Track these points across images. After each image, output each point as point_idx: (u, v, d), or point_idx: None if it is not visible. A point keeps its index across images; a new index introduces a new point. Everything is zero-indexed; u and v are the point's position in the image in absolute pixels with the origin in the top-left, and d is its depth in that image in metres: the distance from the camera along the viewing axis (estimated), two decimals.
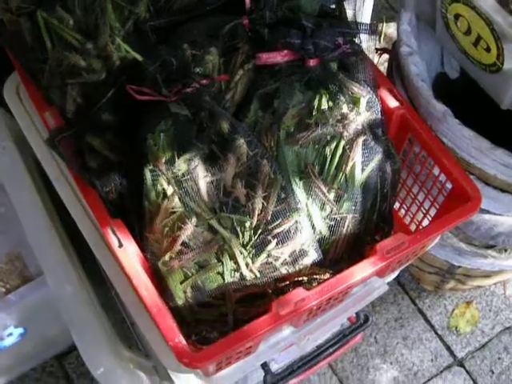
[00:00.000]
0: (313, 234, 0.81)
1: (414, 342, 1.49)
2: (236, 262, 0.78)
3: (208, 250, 0.78)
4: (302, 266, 0.80)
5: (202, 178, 0.78)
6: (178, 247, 0.77)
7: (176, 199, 0.78)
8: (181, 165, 0.78)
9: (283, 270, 0.80)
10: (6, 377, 1.21)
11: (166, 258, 0.77)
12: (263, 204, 0.78)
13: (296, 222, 0.79)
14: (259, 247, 0.79)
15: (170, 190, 0.78)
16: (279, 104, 0.82)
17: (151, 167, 0.77)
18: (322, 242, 0.83)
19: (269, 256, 0.79)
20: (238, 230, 0.79)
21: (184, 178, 0.77)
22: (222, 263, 0.78)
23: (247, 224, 0.79)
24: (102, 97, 0.79)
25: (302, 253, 0.80)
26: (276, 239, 0.79)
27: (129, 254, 0.76)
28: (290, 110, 0.83)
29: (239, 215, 0.78)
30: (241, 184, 0.78)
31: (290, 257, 0.80)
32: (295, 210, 0.80)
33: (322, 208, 0.83)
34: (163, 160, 0.77)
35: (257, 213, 0.78)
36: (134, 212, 0.79)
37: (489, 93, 0.96)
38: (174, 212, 0.78)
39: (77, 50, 0.80)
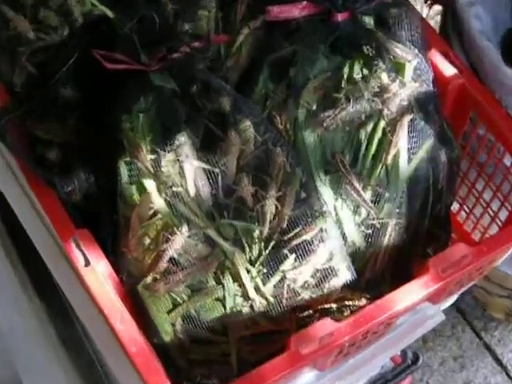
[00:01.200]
0: (343, 245, 0.82)
1: None
2: (241, 285, 0.79)
3: (204, 268, 0.78)
4: (329, 290, 0.81)
5: (196, 172, 0.78)
6: (163, 265, 0.78)
7: (161, 201, 0.78)
8: (167, 155, 0.78)
9: (304, 295, 0.80)
10: None
11: (149, 279, 0.78)
12: (277, 207, 0.79)
13: (321, 230, 0.80)
14: (272, 265, 0.80)
15: (152, 189, 0.78)
16: (297, 73, 0.82)
17: (127, 159, 0.78)
18: (355, 257, 0.83)
19: (285, 276, 0.80)
20: (244, 241, 0.79)
21: (171, 172, 0.78)
22: (223, 286, 0.79)
23: (256, 233, 0.79)
24: (60, 66, 0.80)
25: (330, 271, 0.81)
26: (294, 254, 0.80)
27: (98, 274, 0.77)
28: (312, 82, 0.83)
29: (245, 222, 0.79)
30: (247, 180, 0.78)
31: (313, 277, 0.81)
32: (320, 214, 0.80)
33: (356, 211, 0.83)
34: (143, 149, 0.78)
35: (268, 218, 0.79)
36: (106, 219, 0.80)
37: None
38: (159, 218, 0.78)
39: (25, 7, 0.82)
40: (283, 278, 0.79)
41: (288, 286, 0.80)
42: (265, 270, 0.79)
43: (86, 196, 0.80)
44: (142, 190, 0.79)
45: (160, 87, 0.78)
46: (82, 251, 0.77)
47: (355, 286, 0.82)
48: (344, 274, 0.81)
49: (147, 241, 0.78)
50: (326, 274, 0.81)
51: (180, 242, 0.77)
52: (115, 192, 0.79)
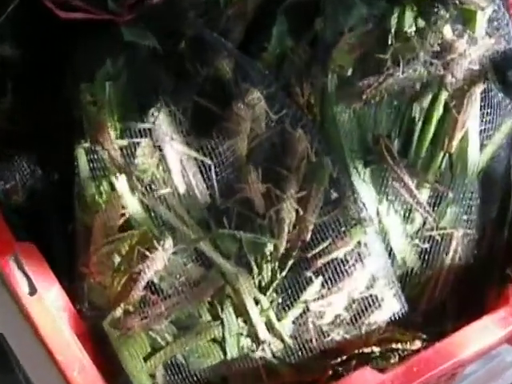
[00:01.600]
0: (390, 266, 0.80)
1: None
2: (247, 321, 0.77)
3: (195, 297, 0.76)
4: (369, 328, 0.79)
5: (184, 164, 0.78)
6: (139, 293, 0.76)
7: (135, 204, 0.77)
8: (143, 140, 0.77)
9: (336, 336, 0.78)
10: None
11: (118, 313, 0.76)
12: (297, 212, 0.77)
13: (358, 244, 0.78)
14: (291, 292, 0.77)
15: (123, 188, 0.77)
16: (324, 25, 0.82)
17: (87, 145, 0.77)
18: (407, 282, 0.81)
19: (308, 309, 0.77)
20: (252, 259, 0.78)
21: (149, 164, 0.77)
22: (222, 322, 0.77)
23: (268, 249, 0.77)
24: None
25: (371, 302, 0.79)
26: (321, 277, 0.77)
27: (48, 306, 0.75)
28: (346, 37, 0.82)
29: (253, 233, 0.77)
30: (255, 175, 0.77)
31: (347, 310, 0.78)
32: (357, 222, 0.78)
33: (407, 218, 0.81)
34: (110, 131, 0.77)
35: (286, 228, 0.77)
36: (58, 228, 0.80)
37: None
38: (133, 228, 0.77)
39: None
40: (306, 312, 0.78)
41: (313, 322, 0.77)
42: (280, 300, 0.77)
43: (30, 196, 0.81)
44: (109, 188, 0.78)
45: (134, 44, 0.78)
46: (25, 274, 0.75)
47: (406, 322, 0.80)
48: (390, 306, 0.79)
49: (116, 259, 0.77)
50: (365, 305, 0.78)
51: (162, 260, 0.76)
52: (71, 191, 0.78)
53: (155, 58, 0.79)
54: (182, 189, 0.78)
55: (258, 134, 0.78)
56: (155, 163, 0.77)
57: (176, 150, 0.78)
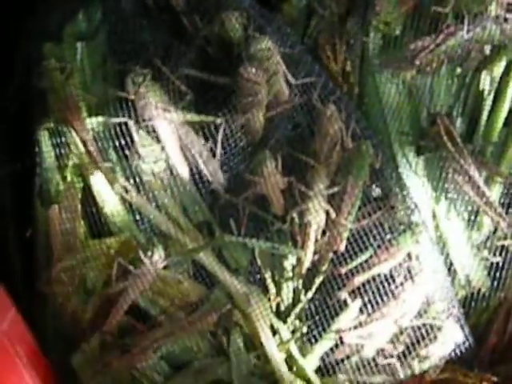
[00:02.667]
0: (450, 285, 0.75)
1: None
2: (261, 356, 0.72)
3: (193, 325, 0.72)
4: (423, 365, 0.74)
5: (180, 148, 0.73)
6: (119, 319, 0.71)
7: (114, 201, 0.73)
8: (126, 117, 0.72)
9: (377, 377, 0.73)
10: None
11: (91, 344, 0.72)
12: (328, 213, 0.72)
13: (409, 256, 0.72)
14: (319, 319, 0.73)
15: (97, 178, 0.73)
16: None
17: (52, 124, 0.73)
18: (472, 306, 0.77)
19: (342, 341, 0.73)
20: (268, 276, 0.73)
21: (134, 147, 0.72)
22: (228, 358, 0.72)
23: (289, 262, 0.73)
24: None
25: (424, 332, 0.74)
26: (359, 299, 0.72)
27: (1, 339, 0.71)
28: None
29: (269, 241, 0.73)
30: (274, 163, 0.72)
31: (393, 343, 0.73)
32: (406, 227, 0.73)
33: (473, 223, 0.77)
34: (82, 106, 0.73)
35: (313, 236, 0.71)
36: (13, 233, 0.78)
37: None
38: (110, 232, 0.74)
39: None
40: (339, 345, 0.73)
41: (348, 358, 0.73)
42: (305, 330, 0.73)
43: None
44: (79, 181, 0.75)
45: None
46: None
47: (471, 360, 0.75)
48: (450, 338, 0.74)
49: (89, 275, 0.72)
50: (417, 337, 0.73)
51: (150, 277, 0.71)
52: (30, 185, 0.75)
53: (143, 10, 0.76)
54: (177, 182, 0.74)
55: (275, 109, 0.73)
56: (142, 149, 0.72)
57: (170, 131, 0.73)
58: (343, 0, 0.80)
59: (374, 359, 0.74)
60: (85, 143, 0.73)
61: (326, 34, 0.79)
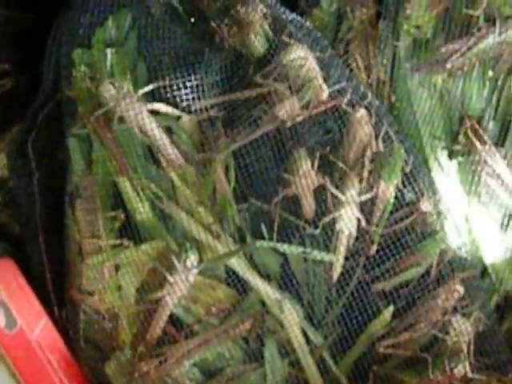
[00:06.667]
0: (484, 290, 0.75)
1: None
2: (294, 363, 0.72)
3: (226, 332, 0.72)
4: (455, 366, 0.73)
5: (209, 148, 0.74)
6: (158, 330, 0.72)
7: (145, 207, 0.73)
8: (158, 123, 0.72)
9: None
10: None
11: (126, 354, 0.73)
12: (359, 220, 0.72)
13: (441, 261, 0.72)
14: (351, 326, 0.73)
15: (127, 185, 0.73)
16: None
17: (82, 131, 0.74)
18: (507, 311, 0.77)
19: (374, 348, 0.73)
20: (301, 282, 0.73)
21: (164, 151, 0.73)
22: (262, 365, 0.73)
23: (321, 268, 0.73)
24: None
25: (455, 335, 0.73)
26: (393, 304, 0.72)
27: (32, 344, 0.72)
28: None
29: (301, 246, 0.73)
30: (310, 160, 0.71)
31: (427, 349, 0.73)
32: (439, 231, 0.73)
33: (507, 227, 0.76)
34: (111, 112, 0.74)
35: (345, 241, 0.71)
36: (45, 240, 0.78)
37: None
38: (141, 239, 0.73)
39: None
40: (372, 351, 0.74)
41: (381, 364, 0.73)
42: (338, 336, 0.73)
43: (8, 199, 0.82)
44: (111, 188, 0.75)
45: None
46: (0, 301, 0.74)
47: (505, 367, 0.75)
48: (484, 344, 0.74)
49: (121, 281, 0.73)
50: (448, 339, 0.73)
51: (185, 284, 0.72)
52: (61, 192, 0.76)
53: (172, 16, 0.76)
54: (206, 185, 0.74)
55: (309, 113, 0.72)
56: (173, 154, 0.73)
57: (200, 130, 0.74)
58: (374, 4, 0.80)
59: (403, 368, 0.74)
60: (114, 150, 0.74)
61: (356, 38, 0.79)
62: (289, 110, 0.73)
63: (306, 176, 0.72)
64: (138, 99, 0.74)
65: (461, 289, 0.75)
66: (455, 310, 0.75)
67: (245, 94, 0.76)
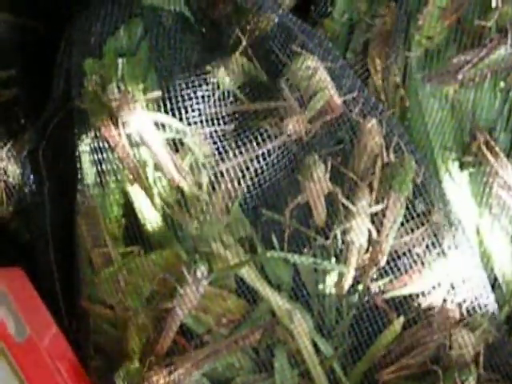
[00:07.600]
0: (494, 302, 0.73)
1: None
2: (304, 373, 0.72)
3: (236, 342, 0.72)
4: (465, 375, 0.73)
5: (221, 157, 0.73)
6: (168, 341, 0.71)
7: (155, 216, 0.73)
8: (169, 134, 0.73)
9: None
10: None
11: (135, 363, 0.72)
12: (369, 231, 0.72)
13: (453, 272, 0.72)
14: (362, 337, 0.72)
15: (138, 194, 0.74)
16: None
17: (92, 140, 0.74)
18: None
19: (384, 358, 0.72)
20: (311, 292, 0.73)
21: (175, 161, 0.73)
22: (271, 375, 0.73)
23: (331, 278, 0.72)
24: None
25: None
26: (402, 316, 0.72)
27: (41, 354, 0.72)
28: None
29: (311, 256, 0.72)
30: (323, 168, 0.71)
31: (437, 362, 0.72)
32: (449, 243, 0.72)
33: None
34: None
35: (356, 252, 0.71)
36: (55, 249, 0.79)
37: None
38: (151, 248, 0.73)
39: None
40: (382, 361, 0.73)
41: (392, 373, 0.73)
42: (348, 347, 0.73)
43: (19, 209, 0.82)
44: (121, 197, 0.75)
45: (155, 9, 0.76)
46: (11, 311, 0.73)
47: None
48: (494, 358, 0.74)
49: (130, 291, 0.73)
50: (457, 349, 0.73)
51: (195, 294, 0.72)
52: (71, 203, 0.76)
53: (184, 25, 0.77)
54: (217, 194, 0.74)
55: (314, 125, 0.73)
56: (184, 164, 0.73)
57: (211, 145, 0.74)
58: (386, 14, 0.80)
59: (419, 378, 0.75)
60: (125, 159, 0.74)
61: (368, 49, 0.79)
62: (299, 123, 0.73)
63: (318, 181, 0.72)
64: (142, 107, 0.74)
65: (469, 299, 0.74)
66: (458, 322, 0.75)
67: (256, 105, 0.77)
